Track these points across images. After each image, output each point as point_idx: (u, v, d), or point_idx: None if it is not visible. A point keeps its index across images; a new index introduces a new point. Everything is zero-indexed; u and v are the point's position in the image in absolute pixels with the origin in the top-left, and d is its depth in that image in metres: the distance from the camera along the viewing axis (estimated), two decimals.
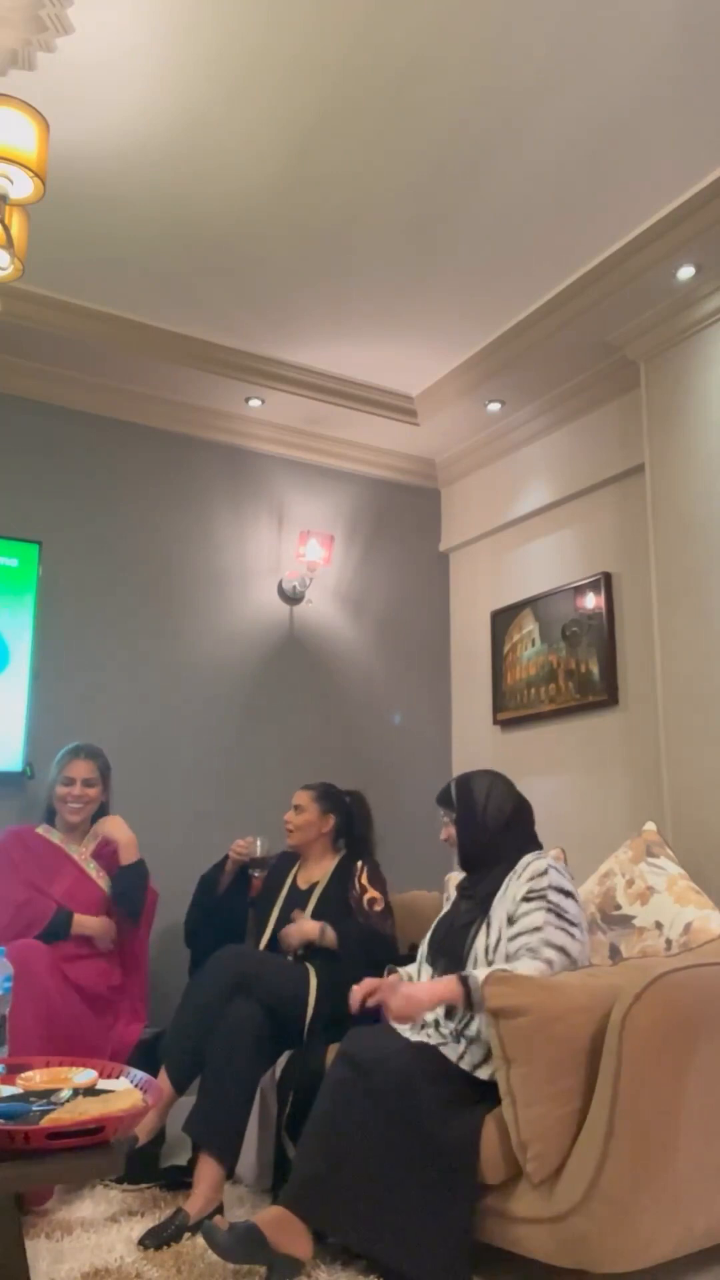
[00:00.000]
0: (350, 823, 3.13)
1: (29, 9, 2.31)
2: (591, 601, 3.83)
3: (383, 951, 2.78)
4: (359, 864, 3.01)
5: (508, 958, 2.25)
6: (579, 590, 3.90)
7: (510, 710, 4.18)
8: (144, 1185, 2.53)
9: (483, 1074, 2.15)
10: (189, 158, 2.85)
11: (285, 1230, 1.98)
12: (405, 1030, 2.36)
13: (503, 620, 4.28)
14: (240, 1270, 2.05)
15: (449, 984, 2.15)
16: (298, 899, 3.00)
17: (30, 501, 3.78)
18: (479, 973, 2.12)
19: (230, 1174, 2.40)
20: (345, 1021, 2.46)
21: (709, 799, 3.04)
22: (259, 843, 3.10)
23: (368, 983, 2.34)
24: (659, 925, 2.52)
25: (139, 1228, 2.25)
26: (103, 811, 3.16)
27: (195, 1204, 2.28)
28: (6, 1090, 1.80)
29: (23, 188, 2.17)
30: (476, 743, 4.42)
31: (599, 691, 3.74)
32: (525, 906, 2.30)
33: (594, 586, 3.83)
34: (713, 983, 2.03)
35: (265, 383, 3.97)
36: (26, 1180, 1.69)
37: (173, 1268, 2.05)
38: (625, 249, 3.18)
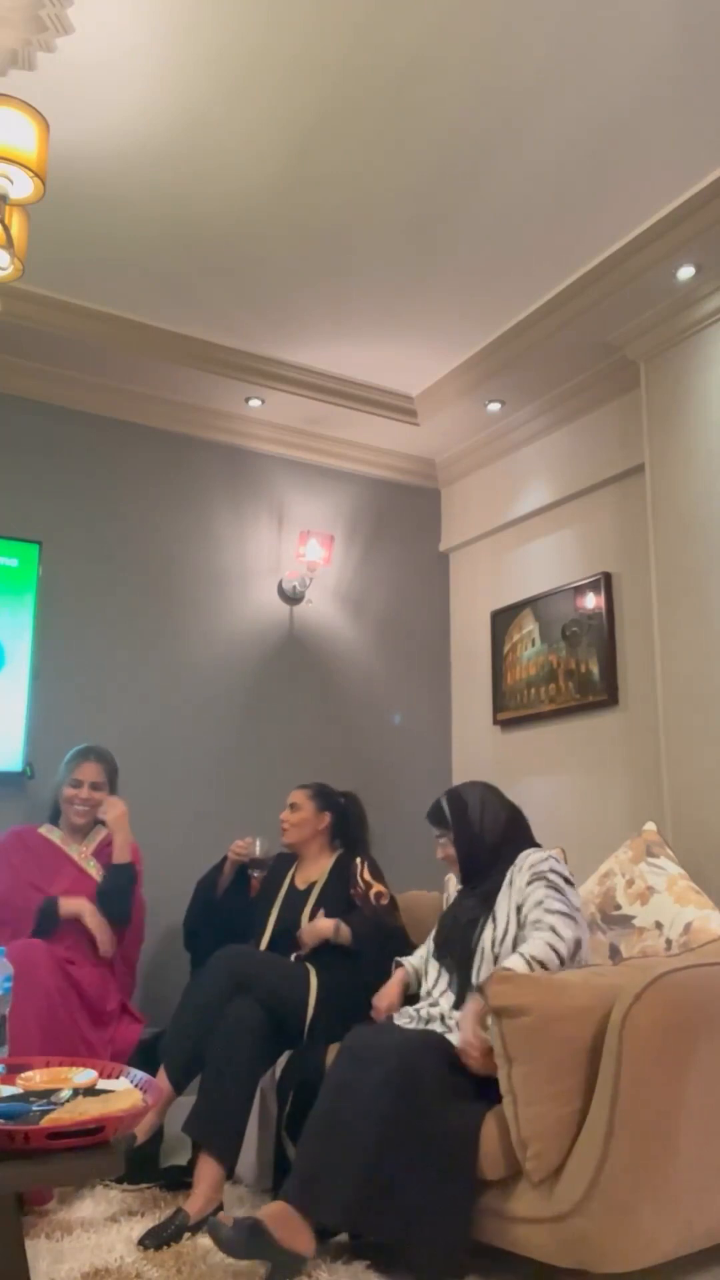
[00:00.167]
0: (345, 822, 3.14)
1: (29, 9, 2.31)
2: (591, 601, 3.83)
3: (395, 945, 2.79)
4: (358, 860, 3.01)
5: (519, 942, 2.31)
6: (579, 590, 3.90)
7: (510, 710, 4.18)
8: (144, 1185, 2.53)
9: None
10: (189, 158, 2.85)
11: (288, 1225, 1.99)
12: (405, 1021, 2.40)
13: (503, 620, 4.28)
14: (240, 1270, 2.05)
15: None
16: (296, 899, 3.00)
17: (30, 501, 3.78)
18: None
19: (230, 1174, 2.40)
20: (346, 1021, 2.47)
21: (709, 799, 3.04)
22: (258, 843, 3.10)
23: (388, 995, 2.37)
24: (659, 925, 2.52)
25: (139, 1228, 2.25)
26: (89, 824, 3.15)
27: (195, 1204, 2.28)
28: (6, 1090, 1.80)
29: (23, 188, 2.17)
30: (476, 743, 4.42)
31: (599, 691, 3.74)
32: (528, 890, 2.36)
33: (594, 586, 3.83)
34: (713, 983, 2.03)
35: (265, 383, 3.97)
36: (26, 1180, 1.69)
37: (173, 1268, 2.05)
38: (625, 249, 3.18)
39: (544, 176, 2.90)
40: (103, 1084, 1.85)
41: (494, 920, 2.40)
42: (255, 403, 4.10)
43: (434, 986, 2.50)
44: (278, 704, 4.17)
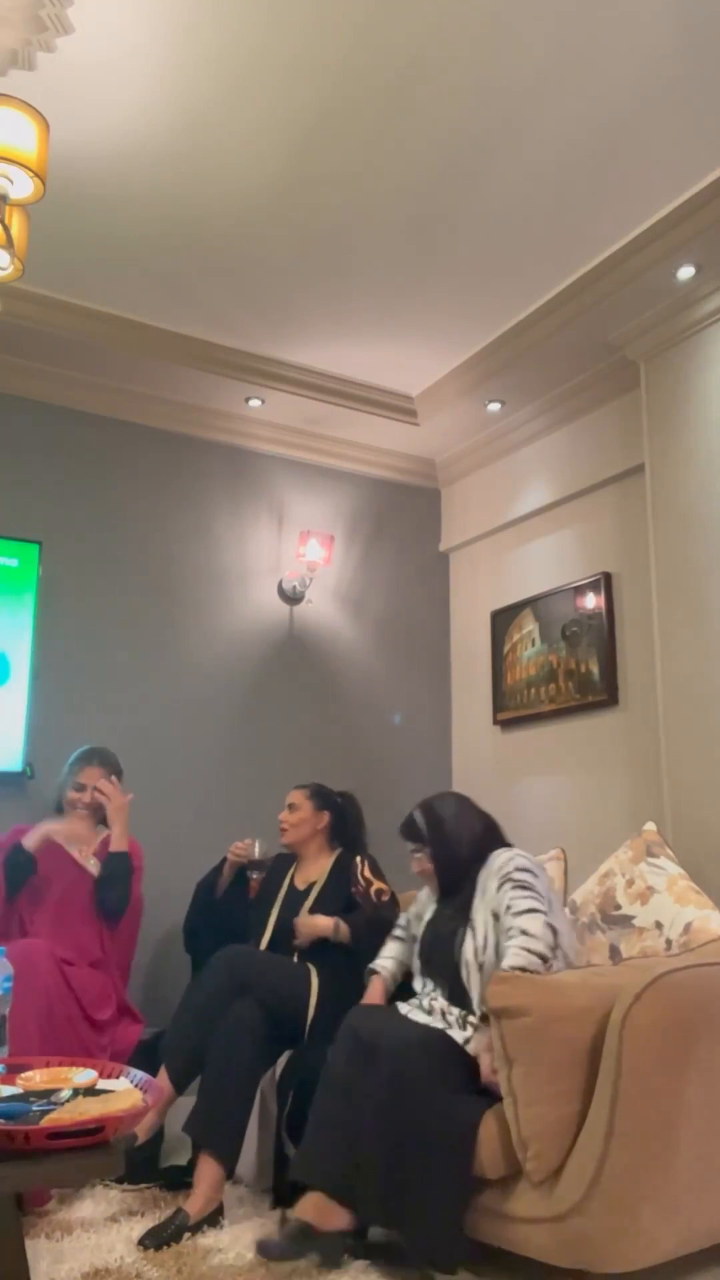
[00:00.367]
0: (344, 822, 3.14)
1: (29, 9, 2.31)
2: (591, 601, 3.83)
3: None
4: (358, 859, 3.01)
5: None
6: (579, 590, 3.90)
7: (510, 710, 4.18)
8: (144, 1185, 2.53)
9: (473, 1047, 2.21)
10: (189, 158, 2.85)
11: (324, 1211, 2.07)
12: (406, 1009, 2.41)
13: (503, 620, 4.28)
14: (240, 1271, 2.05)
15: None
16: (296, 899, 3.00)
17: (30, 501, 3.78)
18: None
19: (230, 1174, 2.40)
20: None
21: (709, 799, 3.04)
22: (256, 844, 3.10)
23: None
24: (659, 925, 2.52)
25: (139, 1228, 2.25)
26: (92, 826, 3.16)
27: (195, 1204, 2.28)
28: (6, 1090, 1.80)
29: (23, 188, 2.17)
30: (476, 743, 4.42)
31: (599, 691, 3.74)
32: (498, 896, 2.37)
33: (594, 586, 3.83)
34: (713, 983, 2.03)
35: (265, 383, 3.97)
36: (26, 1180, 1.69)
37: (173, 1268, 2.05)
38: (625, 249, 3.18)
39: (544, 176, 2.90)
40: (103, 1084, 1.85)
41: (473, 930, 2.40)
42: (255, 403, 4.10)
43: (425, 994, 2.48)
44: (278, 704, 4.17)
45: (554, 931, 2.27)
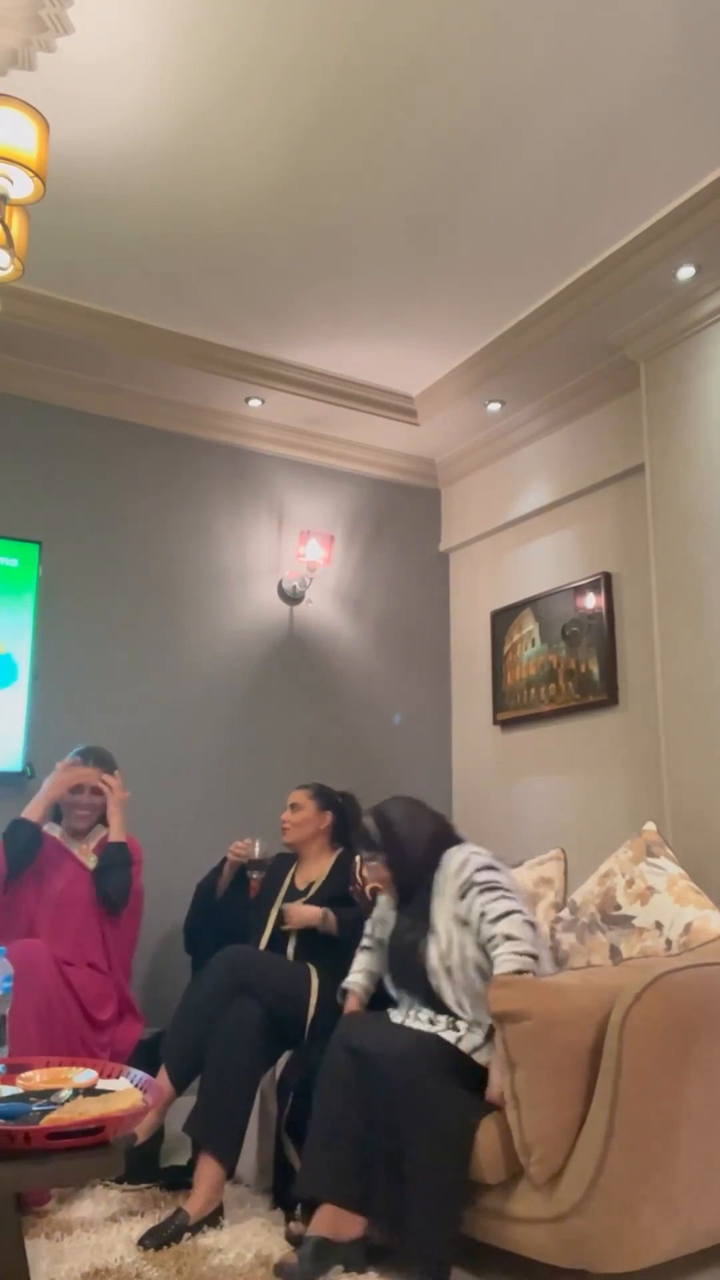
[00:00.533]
0: (344, 822, 3.13)
1: (29, 9, 2.31)
2: (591, 601, 3.83)
3: None
4: (357, 858, 3.02)
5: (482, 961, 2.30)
6: (579, 590, 3.90)
7: (510, 710, 4.18)
8: (144, 1185, 2.53)
9: (480, 1058, 2.21)
10: (189, 158, 2.85)
11: (340, 1221, 2.06)
12: (397, 1016, 2.40)
13: (503, 620, 4.28)
14: (240, 1271, 2.05)
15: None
16: (296, 899, 3.00)
17: (30, 501, 3.78)
18: None
19: (230, 1174, 2.40)
20: None
21: (709, 799, 3.04)
22: (257, 844, 3.10)
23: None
24: (659, 925, 2.52)
25: (139, 1228, 2.25)
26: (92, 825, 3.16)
27: (195, 1204, 2.28)
28: (6, 1090, 1.80)
29: (23, 188, 2.17)
30: (476, 743, 4.42)
31: (599, 691, 3.74)
32: (464, 904, 2.35)
33: (594, 586, 3.83)
34: (713, 983, 2.03)
35: (265, 383, 3.97)
36: (26, 1180, 1.69)
37: (173, 1268, 2.05)
38: (625, 249, 3.18)
39: (544, 176, 2.90)
40: (103, 1084, 1.85)
41: (435, 935, 2.38)
42: (255, 403, 4.10)
43: (405, 1008, 2.47)
44: (278, 704, 4.17)
45: (532, 927, 2.28)
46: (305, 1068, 2.50)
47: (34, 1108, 1.69)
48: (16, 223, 2.35)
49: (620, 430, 3.77)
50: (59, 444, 3.89)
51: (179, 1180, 2.52)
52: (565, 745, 3.92)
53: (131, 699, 3.84)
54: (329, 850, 3.11)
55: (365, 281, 3.42)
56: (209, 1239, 2.20)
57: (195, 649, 4.03)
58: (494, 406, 4.13)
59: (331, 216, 3.09)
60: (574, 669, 3.88)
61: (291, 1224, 2.22)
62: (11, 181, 2.15)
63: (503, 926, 2.25)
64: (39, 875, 2.96)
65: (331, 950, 2.78)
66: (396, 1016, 2.41)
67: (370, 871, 2.61)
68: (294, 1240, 2.13)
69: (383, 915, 2.67)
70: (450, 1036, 2.24)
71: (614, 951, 2.57)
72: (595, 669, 3.77)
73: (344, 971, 2.68)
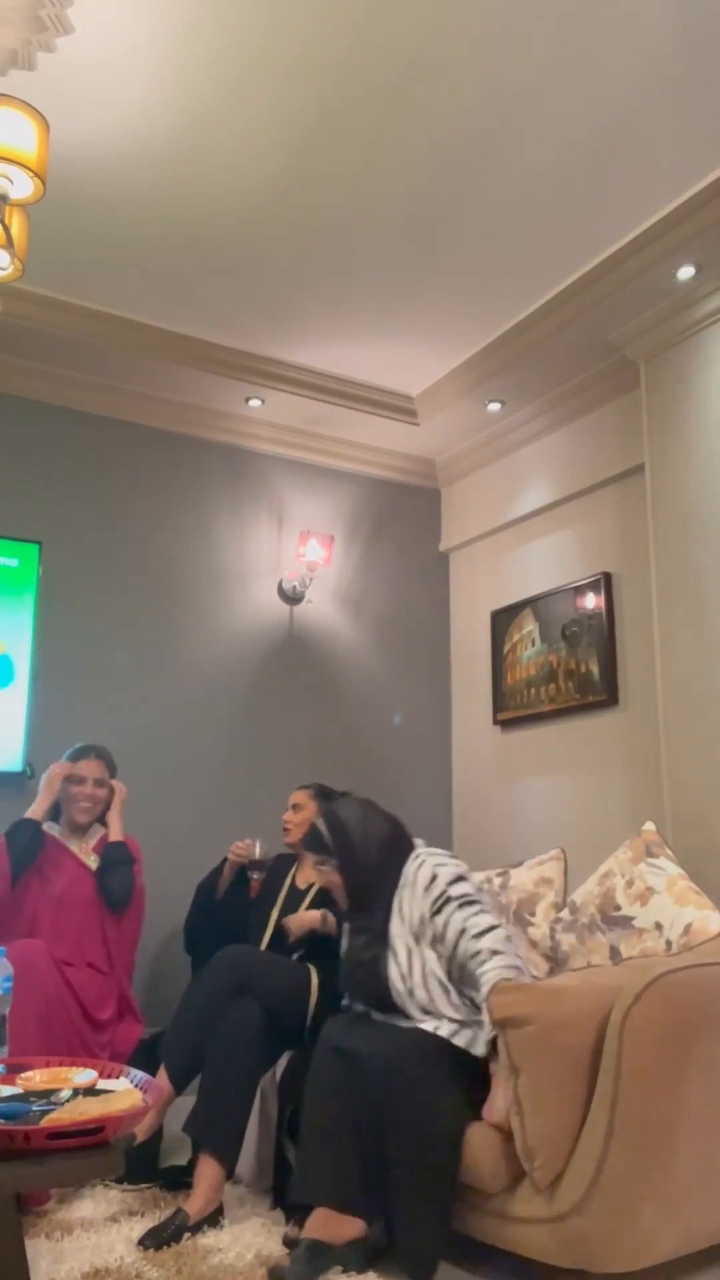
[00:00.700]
0: None
1: (29, 9, 2.31)
2: (591, 601, 3.83)
3: None
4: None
5: (460, 977, 2.30)
6: (579, 590, 3.90)
7: (510, 710, 4.18)
8: (144, 1185, 2.53)
9: (476, 1050, 2.22)
10: (189, 158, 2.85)
11: (335, 1223, 2.05)
12: (378, 1014, 2.40)
13: (503, 620, 4.28)
14: (240, 1270, 2.05)
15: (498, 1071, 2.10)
16: (297, 899, 3.00)
17: (30, 501, 3.78)
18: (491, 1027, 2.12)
19: (230, 1174, 2.40)
20: None
21: (709, 799, 3.04)
22: (257, 845, 3.09)
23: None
24: (659, 926, 2.52)
25: (139, 1228, 2.25)
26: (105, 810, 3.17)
27: (195, 1204, 2.28)
28: (6, 1090, 1.80)
29: (23, 188, 2.17)
30: (476, 743, 4.42)
31: (599, 691, 3.74)
32: (440, 919, 2.31)
33: (594, 586, 3.83)
34: (712, 982, 2.03)
35: (265, 383, 3.97)
36: (26, 1180, 1.69)
37: (173, 1268, 2.05)
38: (625, 249, 3.18)
39: (544, 176, 2.90)
40: (103, 1084, 1.85)
41: (394, 954, 2.35)
42: (255, 403, 4.10)
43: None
44: (278, 704, 4.17)
45: (510, 940, 2.27)
46: (306, 1068, 2.50)
47: (34, 1108, 1.69)
48: (16, 223, 2.35)
49: (620, 430, 3.77)
50: (59, 444, 3.89)
51: (179, 1180, 2.52)
52: (565, 745, 3.92)
53: (131, 699, 3.84)
54: None
55: (365, 281, 3.42)
56: (209, 1239, 2.20)
57: (195, 649, 4.03)
58: (494, 406, 4.13)
59: (331, 216, 3.09)
60: (574, 669, 3.88)
61: (288, 1228, 2.22)
62: (11, 181, 2.15)
63: (488, 942, 2.23)
64: (39, 875, 2.96)
65: (333, 950, 2.78)
66: (378, 1015, 2.42)
67: (320, 875, 2.55)
68: (290, 1244, 2.12)
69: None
70: (443, 1031, 2.24)
71: (614, 952, 2.57)
72: (595, 669, 3.77)
73: None
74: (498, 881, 3.03)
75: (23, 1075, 1.89)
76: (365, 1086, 2.13)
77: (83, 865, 3.03)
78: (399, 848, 2.50)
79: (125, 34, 2.42)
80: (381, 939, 2.39)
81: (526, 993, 1.99)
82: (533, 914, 2.86)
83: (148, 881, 3.19)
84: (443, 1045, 2.22)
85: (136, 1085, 1.86)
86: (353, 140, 2.76)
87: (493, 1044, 2.10)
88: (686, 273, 3.15)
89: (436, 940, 2.32)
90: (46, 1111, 1.67)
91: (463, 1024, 2.29)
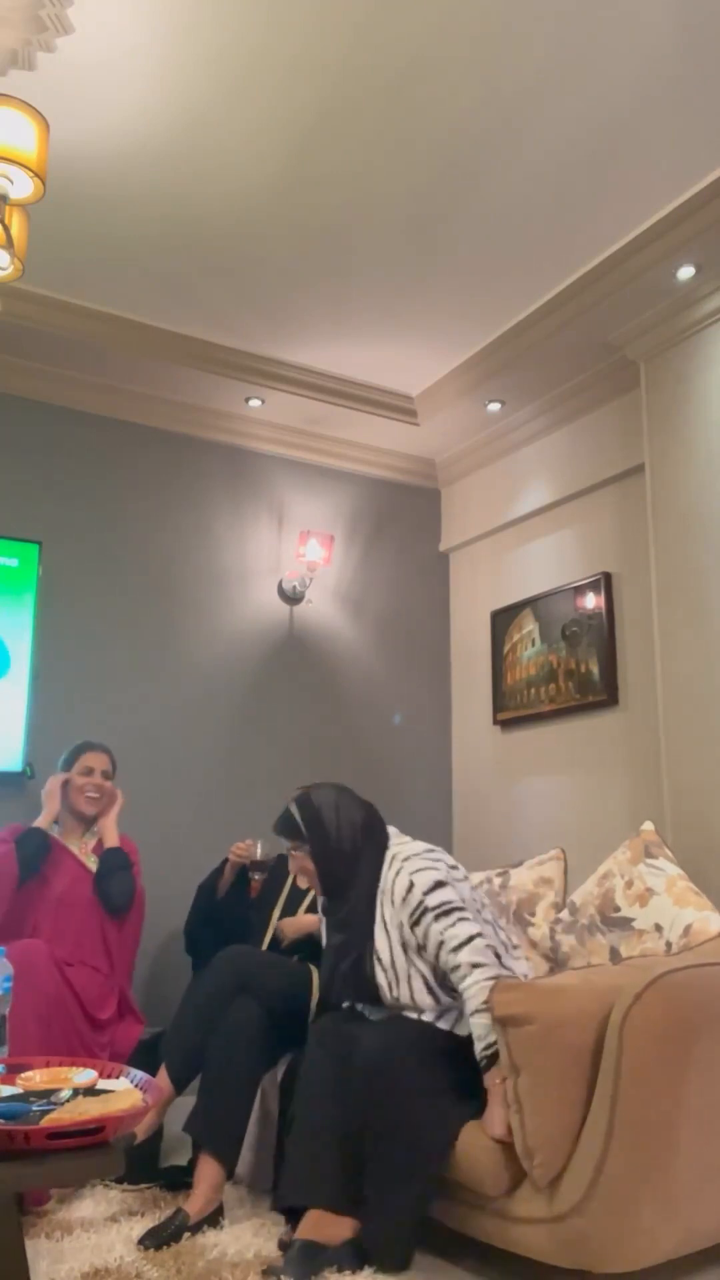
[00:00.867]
0: None
1: (29, 9, 2.31)
2: (591, 601, 3.83)
3: None
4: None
5: (446, 983, 2.30)
6: (579, 590, 3.90)
7: (510, 710, 4.18)
8: (144, 1185, 2.53)
9: (461, 1030, 2.24)
10: (189, 158, 2.85)
11: (328, 1224, 2.05)
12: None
13: (503, 620, 4.28)
14: (239, 1272, 2.05)
15: (493, 1083, 2.08)
16: (298, 899, 3.00)
17: (30, 501, 3.78)
18: (481, 1042, 2.12)
19: (231, 1174, 2.40)
20: None
21: (709, 799, 3.04)
22: (259, 845, 3.09)
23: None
24: (659, 928, 2.52)
25: (139, 1227, 2.25)
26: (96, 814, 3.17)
27: (195, 1204, 2.28)
28: (6, 1090, 1.80)
29: (23, 188, 2.17)
30: (476, 743, 4.42)
31: (599, 691, 3.74)
32: (420, 930, 2.29)
33: (594, 586, 3.83)
34: (713, 982, 2.02)
35: (265, 383, 3.97)
36: (26, 1180, 1.69)
37: (173, 1268, 2.05)
38: (625, 249, 3.18)
39: (544, 176, 2.90)
40: (103, 1084, 1.85)
41: (379, 961, 2.33)
42: (255, 403, 4.10)
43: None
44: (278, 704, 4.17)
45: (496, 948, 2.25)
46: None
47: (34, 1108, 1.69)
48: (16, 223, 2.35)
49: (620, 430, 3.77)
50: (59, 444, 3.89)
51: (179, 1180, 2.52)
52: (565, 745, 3.92)
53: (131, 699, 3.84)
54: None
55: (365, 281, 3.42)
56: (209, 1239, 2.20)
57: (195, 649, 4.03)
58: (494, 406, 4.13)
59: (331, 216, 3.09)
60: (574, 669, 3.88)
61: (283, 1231, 2.21)
62: (11, 181, 2.15)
63: (465, 955, 2.19)
64: (40, 876, 2.96)
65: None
66: (368, 1009, 2.44)
67: (293, 862, 2.53)
68: (285, 1247, 2.11)
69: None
70: (429, 1016, 2.26)
71: (614, 954, 2.57)
72: (595, 669, 3.77)
73: None
74: (498, 881, 3.03)
75: (23, 1075, 1.89)
76: (354, 1086, 2.13)
77: (83, 866, 3.03)
78: (373, 836, 2.46)
79: (125, 34, 2.42)
80: (361, 937, 2.37)
81: (526, 991, 1.99)
82: (533, 914, 2.86)
83: (147, 882, 3.19)
84: (430, 1032, 2.23)
85: (136, 1085, 1.86)
86: (353, 140, 2.76)
87: (490, 1059, 2.09)
88: (686, 273, 3.15)
89: (420, 949, 2.31)
90: (46, 1111, 1.67)
91: (449, 1009, 2.30)
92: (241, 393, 4.03)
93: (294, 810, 2.50)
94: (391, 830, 2.51)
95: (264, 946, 2.92)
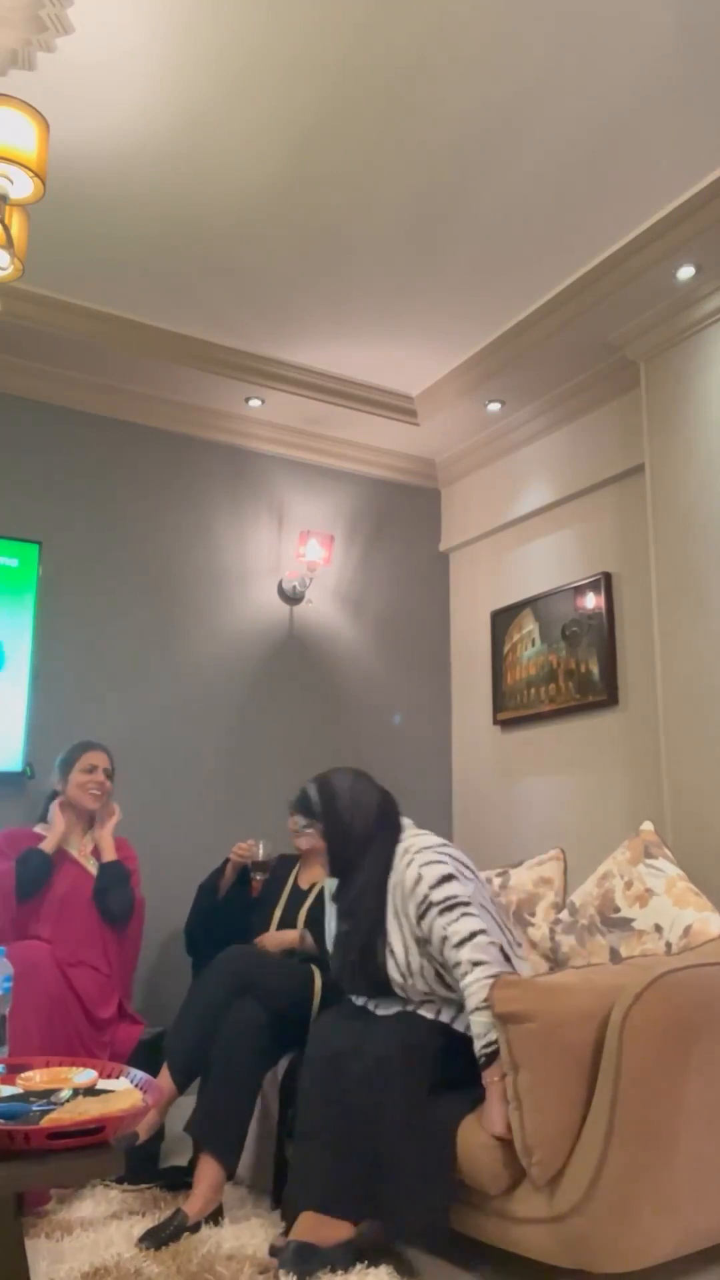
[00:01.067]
0: None
1: (29, 9, 2.31)
2: (591, 601, 3.83)
3: None
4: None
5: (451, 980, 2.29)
6: (579, 590, 3.90)
7: (510, 710, 4.18)
8: (144, 1185, 2.53)
9: (459, 1026, 2.25)
10: (189, 158, 2.85)
11: (323, 1226, 2.05)
12: (359, 1000, 2.43)
13: (503, 620, 4.28)
14: (242, 1272, 2.05)
15: (492, 1080, 2.09)
16: (299, 899, 3.00)
17: (30, 501, 3.78)
18: (481, 1040, 2.12)
19: (231, 1175, 2.40)
20: None
21: (709, 799, 3.04)
22: (261, 846, 3.09)
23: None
24: (658, 928, 2.52)
25: (139, 1227, 2.25)
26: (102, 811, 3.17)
27: (195, 1204, 2.28)
28: (6, 1090, 1.80)
29: (23, 188, 2.17)
30: (476, 743, 4.42)
31: (599, 691, 3.74)
32: (425, 925, 2.29)
33: (594, 586, 3.83)
34: (713, 982, 2.02)
35: (265, 383, 3.97)
36: (26, 1180, 1.69)
37: (172, 1266, 2.05)
38: (625, 249, 3.18)
39: (544, 176, 2.90)
40: (103, 1084, 1.85)
41: (393, 953, 2.34)
42: (255, 403, 4.10)
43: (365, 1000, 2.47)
44: (278, 704, 4.17)
45: (500, 944, 2.24)
46: None
47: (34, 1108, 1.69)
48: (16, 223, 2.35)
49: (620, 430, 3.77)
50: (59, 444, 3.89)
51: (179, 1180, 2.52)
52: (565, 745, 3.92)
53: (131, 699, 3.84)
54: None
55: (365, 281, 3.42)
56: (207, 1235, 2.20)
57: (195, 649, 4.03)
58: (494, 406, 4.13)
59: (331, 216, 3.09)
60: (574, 669, 3.88)
61: (275, 1239, 2.17)
62: (11, 181, 2.15)
63: (467, 952, 2.18)
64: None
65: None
66: (360, 1000, 2.44)
67: (304, 838, 2.55)
68: (276, 1253, 2.08)
69: (331, 893, 2.64)
70: (428, 1011, 2.27)
71: (614, 954, 2.57)
72: (595, 669, 3.77)
73: None
74: (498, 882, 3.03)
75: (23, 1075, 1.90)
76: (354, 1089, 2.13)
77: (82, 869, 3.03)
78: (386, 824, 2.47)
79: (125, 34, 2.42)
80: (367, 927, 2.37)
81: (526, 989, 1.99)
82: (532, 914, 2.86)
83: (146, 882, 3.20)
84: (436, 1029, 2.24)
85: (136, 1085, 1.86)
86: (353, 140, 2.76)
87: (489, 1056, 2.08)
88: (686, 273, 3.15)
89: (426, 942, 2.31)
90: (46, 1111, 1.67)
91: (462, 1007, 2.30)
92: (241, 393, 4.03)
93: (311, 789, 2.54)
94: (406, 822, 2.51)
95: None
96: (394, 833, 2.46)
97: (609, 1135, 1.84)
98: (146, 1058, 2.70)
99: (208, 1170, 2.33)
